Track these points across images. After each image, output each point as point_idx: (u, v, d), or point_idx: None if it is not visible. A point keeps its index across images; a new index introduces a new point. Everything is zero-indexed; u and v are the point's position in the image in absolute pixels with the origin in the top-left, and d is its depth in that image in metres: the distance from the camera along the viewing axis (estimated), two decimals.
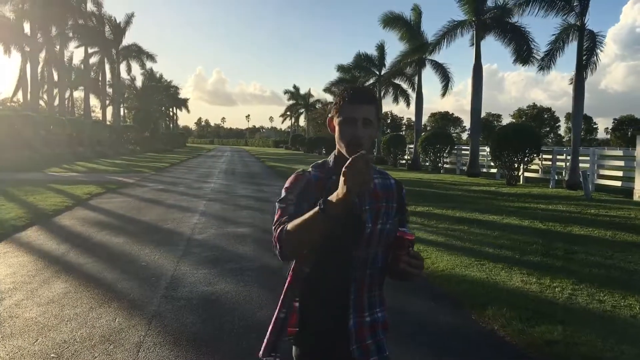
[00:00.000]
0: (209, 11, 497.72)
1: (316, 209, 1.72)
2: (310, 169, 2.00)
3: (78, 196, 13.76)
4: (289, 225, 1.82)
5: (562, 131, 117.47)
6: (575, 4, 19.02)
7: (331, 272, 1.94)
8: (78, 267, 6.72)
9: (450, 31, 26.47)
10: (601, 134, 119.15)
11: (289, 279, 2.00)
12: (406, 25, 31.23)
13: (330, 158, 2.01)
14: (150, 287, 5.86)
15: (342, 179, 1.64)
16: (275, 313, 2.01)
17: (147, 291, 5.69)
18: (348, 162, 1.63)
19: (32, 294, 5.51)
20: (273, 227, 1.92)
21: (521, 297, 5.60)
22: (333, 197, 1.70)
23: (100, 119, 52.44)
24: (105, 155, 37.51)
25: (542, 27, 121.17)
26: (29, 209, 11.11)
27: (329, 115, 2.01)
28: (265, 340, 2.00)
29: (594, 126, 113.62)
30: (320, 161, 2.04)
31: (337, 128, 1.94)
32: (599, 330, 4.67)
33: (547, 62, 21.96)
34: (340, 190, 1.66)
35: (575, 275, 6.53)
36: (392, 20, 31.50)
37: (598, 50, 19.54)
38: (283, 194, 1.99)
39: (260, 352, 2.00)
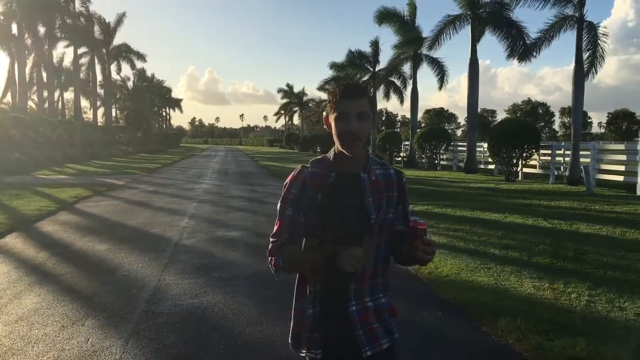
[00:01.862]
0: (200, 10, 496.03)
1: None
2: (308, 165, 2.04)
3: (64, 200, 13.24)
4: (281, 261, 1.98)
5: (556, 126, 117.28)
6: None
7: (334, 263, 1.92)
8: (55, 278, 6.22)
9: (447, 25, 25.90)
10: (595, 129, 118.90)
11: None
12: (400, 21, 30.77)
13: (330, 154, 2.03)
14: (130, 300, 5.37)
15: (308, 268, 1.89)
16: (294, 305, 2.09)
17: (126, 305, 5.19)
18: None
19: (0, 311, 5.02)
20: (270, 239, 2.06)
21: (535, 306, 5.13)
22: (296, 258, 1.94)
23: (92, 120, 51.78)
24: (97, 157, 36.89)
25: (536, 24, 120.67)
26: (10, 215, 10.59)
27: (325, 114, 2.03)
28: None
29: (589, 120, 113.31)
30: (319, 157, 2.07)
31: (332, 124, 1.95)
32: (625, 342, 4.22)
33: (531, 50, 21.79)
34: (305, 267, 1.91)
35: (590, 279, 6.08)
36: (386, 16, 31.02)
37: (602, 43, 19.05)
38: (282, 193, 2.04)
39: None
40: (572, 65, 18.76)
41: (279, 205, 2.03)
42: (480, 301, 5.30)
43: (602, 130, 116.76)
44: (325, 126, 2.03)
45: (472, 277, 6.21)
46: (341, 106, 1.91)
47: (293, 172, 2.04)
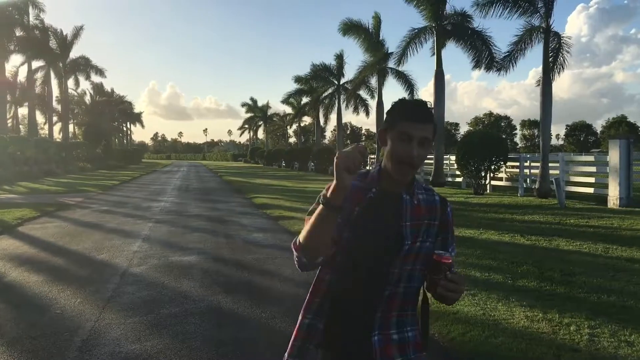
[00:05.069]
0: (160, 26, 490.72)
1: (319, 207, 1.71)
2: None
3: (6, 222, 12.14)
4: (301, 233, 1.82)
5: (517, 138, 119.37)
6: (539, 5, 18.38)
7: (362, 285, 1.87)
8: None
9: (412, 39, 25.55)
10: (553, 140, 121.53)
11: (312, 286, 1.96)
12: (365, 33, 30.45)
13: (374, 170, 1.94)
14: (58, 348, 4.49)
15: (335, 167, 1.63)
16: (299, 319, 1.95)
17: (53, 355, 4.33)
18: (338, 153, 1.63)
19: None
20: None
21: (533, 343, 4.46)
22: (330, 189, 1.68)
23: (48, 136, 49.90)
24: (53, 174, 35.32)
25: (502, 37, 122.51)
26: None
27: (380, 128, 1.91)
28: (290, 344, 1.95)
29: None
30: (363, 170, 1.92)
31: (389, 142, 1.84)
32: None
33: (506, 63, 21.46)
34: (335, 179, 1.65)
35: (585, 306, 5.48)
36: (351, 28, 30.70)
37: (564, 52, 18.97)
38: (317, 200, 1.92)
39: (285, 355, 1.95)
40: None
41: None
42: (470, 338, 4.62)
43: (561, 142, 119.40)
44: (379, 140, 1.90)
45: (456, 307, 5.52)
46: (405, 127, 1.79)
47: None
